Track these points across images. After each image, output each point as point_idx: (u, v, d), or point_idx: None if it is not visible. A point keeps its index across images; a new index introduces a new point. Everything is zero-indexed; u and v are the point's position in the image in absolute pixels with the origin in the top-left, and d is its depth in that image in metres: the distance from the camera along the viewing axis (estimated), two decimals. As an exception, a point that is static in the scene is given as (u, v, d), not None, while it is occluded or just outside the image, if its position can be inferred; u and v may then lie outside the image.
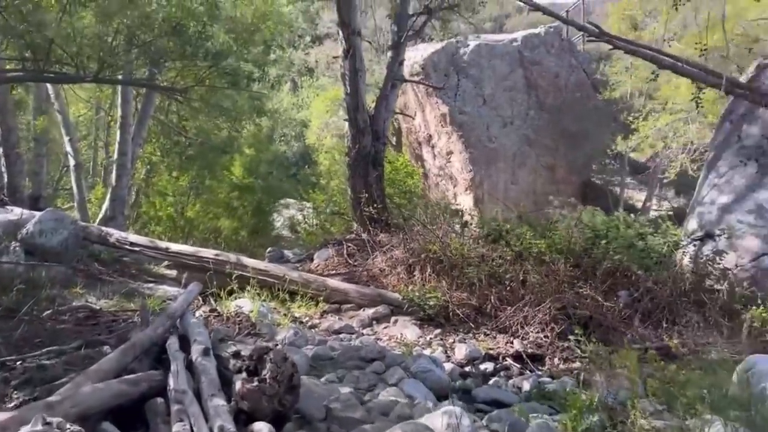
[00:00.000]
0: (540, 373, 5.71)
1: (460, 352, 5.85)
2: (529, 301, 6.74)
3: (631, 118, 17.33)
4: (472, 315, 6.94)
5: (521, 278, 7.27)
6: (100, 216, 11.66)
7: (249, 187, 14.90)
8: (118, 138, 11.58)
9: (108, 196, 11.67)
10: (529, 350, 6.05)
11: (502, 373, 5.61)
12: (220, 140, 14.62)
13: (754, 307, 6.67)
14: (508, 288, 7.17)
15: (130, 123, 11.67)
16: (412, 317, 6.98)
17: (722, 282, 7.75)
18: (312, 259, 10.09)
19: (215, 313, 6.35)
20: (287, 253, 11.18)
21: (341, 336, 6.38)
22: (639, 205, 24.41)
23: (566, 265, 7.32)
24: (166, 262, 8.86)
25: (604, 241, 7.87)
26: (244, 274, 7.49)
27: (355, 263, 9.31)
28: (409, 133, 24.83)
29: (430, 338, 6.39)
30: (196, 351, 3.55)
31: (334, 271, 9.21)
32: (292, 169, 27.12)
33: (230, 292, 7.08)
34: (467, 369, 5.59)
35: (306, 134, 32.45)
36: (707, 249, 8.56)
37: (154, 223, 13.91)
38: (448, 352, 5.98)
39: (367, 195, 10.08)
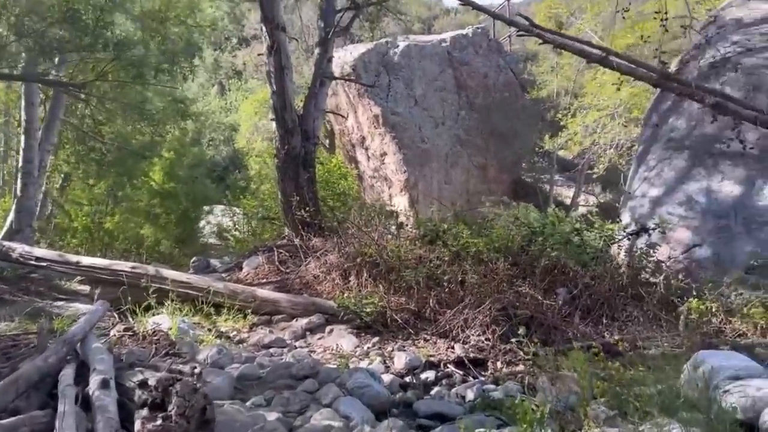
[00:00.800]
0: (483, 379, 5.44)
1: (400, 361, 5.49)
2: (469, 303, 6.47)
3: (560, 116, 17.61)
4: (411, 320, 6.61)
5: (460, 279, 7.01)
6: (5, 229, 10.65)
7: (171, 193, 14.05)
8: (22, 144, 10.60)
9: (13, 208, 10.68)
10: (471, 355, 5.77)
11: (443, 382, 5.29)
12: (139, 144, 13.71)
13: (690, 299, 6.64)
14: (446, 290, 6.89)
15: (36, 128, 10.69)
16: (348, 326, 6.58)
17: (657, 275, 7.75)
18: (241, 268, 9.52)
19: (130, 332, 5.76)
20: (214, 262, 10.55)
21: (271, 351, 5.91)
22: (568, 201, 25.03)
23: (505, 263, 7.11)
24: (78, 278, 8.14)
25: (540, 238, 7.72)
26: (164, 287, 6.89)
27: (287, 270, 8.82)
28: (342, 135, 24.46)
29: (368, 348, 6.01)
30: (94, 383, 3.03)
31: (264, 280, 8.69)
32: (219, 174, 26.22)
33: (148, 308, 6.46)
34: (407, 379, 5.24)
35: (235, 138, 31.60)
36: (641, 242, 8.58)
37: (69, 235, 12.88)
38: (387, 362, 5.61)
39: (298, 198, 9.59)
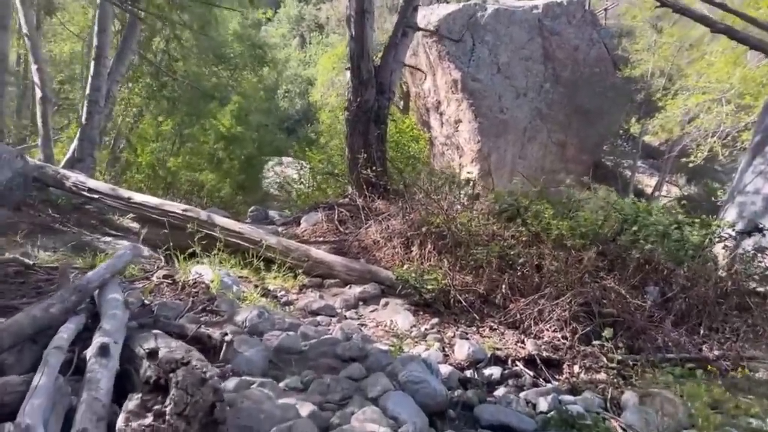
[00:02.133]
0: (556, 384, 4.66)
1: (461, 350, 4.76)
2: (547, 293, 5.65)
3: (657, 96, 16.10)
4: (477, 304, 5.85)
5: (536, 264, 6.18)
6: (66, 157, 10.49)
7: (237, 137, 13.62)
8: (91, 71, 10.31)
9: (77, 136, 10.47)
10: (545, 354, 4.97)
11: (510, 382, 4.53)
12: (211, 86, 13.32)
13: (808, 316, 5.61)
14: (520, 275, 6.08)
15: (106, 55, 10.35)
16: (405, 301, 5.89)
17: (765, 284, 6.69)
18: (299, 223, 8.98)
19: (170, 280, 5.28)
20: (273, 213, 10.06)
21: (319, 319, 5.30)
22: (648, 190, 23.59)
23: (591, 252, 6.22)
24: (131, 215, 7.79)
25: (634, 228, 6.76)
26: (214, 234, 6.39)
27: (346, 231, 8.21)
28: (417, 98, 23.63)
29: (426, 329, 5.30)
30: (92, 347, 2.45)
31: (321, 239, 8.12)
32: (291, 126, 25.93)
33: (194, 255, 5.97)
34: (468, 374, 4.52)
35: (311, 92, 31.29)
36: (747, 244, 7.48)
37: (134, 170, 12.71)
38: (447, 349, 4.89)
39: (366, 155, 8.92)
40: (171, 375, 2.06)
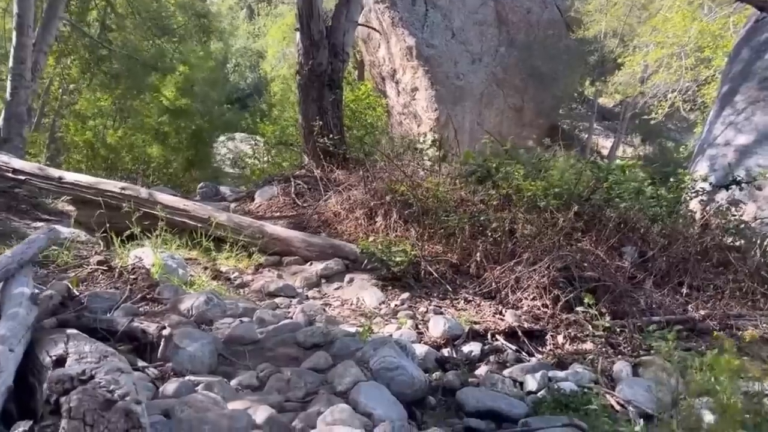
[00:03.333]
0: (540, 357, 4.27)
1: (436, 327, 4.32)
2: (523, 260, 5.25)
3: (613, 56, 15.88)
4: (449, 275, 5.43)
5: (508, 229, 5.77)
6: (-8, 138, 9.58)
7: (183, 110, 12.75)
8: (13, 42, 9.34)
9: (1, 115, 9.53)
10: (525, 325, 4.58)
11: (491, 359, 4.12)
12: (150, 56, 12.38)
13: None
14: (492, 241, 5.66)
15: (29, 24, 9.37)
16: (372, 276, 5.41)
17: (738, 238, 6.45)
18: (253, 199, 8.36)
19: (104, 267, 4.66)
20: (224, 189, 9.40)
21: (277, 301, 4.78)
22: (605, 151, 23.70)
23: (566, 213, 5.84)
24: (65, 197, 7.06)
25: (606, 185, 6.40)
26: (157, 213, 5.76)
27: (305, 205, 7.65)
28: (372, 66, 22.98)
29: (396, 305, 4.85)
30: (-24, 359, 1.89)
31: (277, 213, 7.55)
32: (242, 100, 25.02)
33: (133, 237, 5.34)
34: (446, 352, 4.09)
35: (261, 65, 30.30)
36: (720, 198, 7.23)
37: (71, 150, 11.78)
38: (420, 326, 4.44)
39: (321, 123, 8.32)
40: (62, 399, 1.54)
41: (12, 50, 9.39)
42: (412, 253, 5.41)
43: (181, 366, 2.92)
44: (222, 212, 6.34)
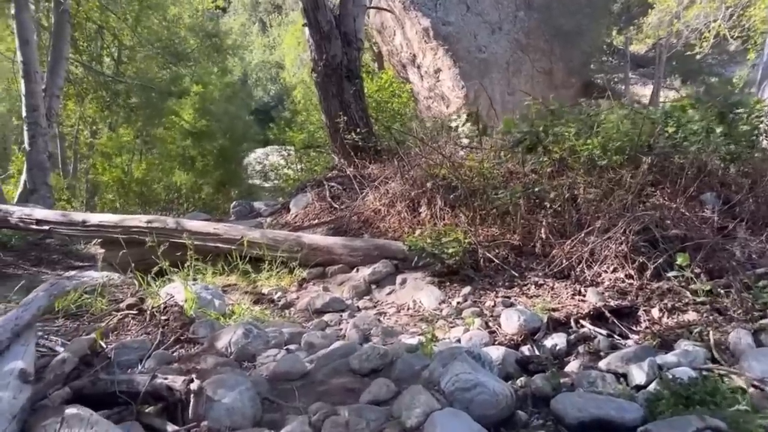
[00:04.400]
0: (636, 338, 3.64)
1: (510, 322, 3.73)
2: (594, 228, 4.60)
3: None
4: (512, 258, 4.82)
5: (569, 197, 5.12)
6: (19, 191, 9.39)
7: (204, 131, 12.42)
8: (22, 90, 9.14)
9: (25, 166, 9.35)
10: (612, 303, 3.94)
11: (580, 349, 3.51)
12: (162, 81, 12.10)
13: None
14: (553, 213, 5.03)
15: (36, 70, 9.16)
16: (425, 273, 4.85)
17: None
18: (288, 209, 7.91)
19: (134, 311, 4.25)
20: (259, 205, 8.99)
21: (326, 318, 4.27)
22: (645, 100, 22.60)
23: (630, 169, 5.16)
24: (95, 240, 6.76)
25: (670, 130, 5.65)
26: (188, 242, 5.35)
27: (342, 207, 7.15)
28: (391, 56, 22.42)
29: (458, 303, 4.28)
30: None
31: (315, 221, 7.06)
32: (267, 112, 24.80)
33: (162, 273, 4.93)
34: (526, 350, 3.50)
35: (282, 75, 30.17)
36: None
37: (102, 190, 11.62)
38: (491, 323, 3.86)
39: (345, 118, 7.81)
40: None
41: (23, 99, 9.21)
42: (466, 240, 4.83)
43: (219, 423, 2.44)
44: (255, 230, 5.89)
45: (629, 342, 3.60)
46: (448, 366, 2.71)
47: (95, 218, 6.25)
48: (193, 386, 2.42)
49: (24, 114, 9.18)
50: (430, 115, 20.26)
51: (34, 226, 6.44)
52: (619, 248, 4.39)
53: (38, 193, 8.93)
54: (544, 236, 4.72)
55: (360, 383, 2.83)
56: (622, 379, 3.07)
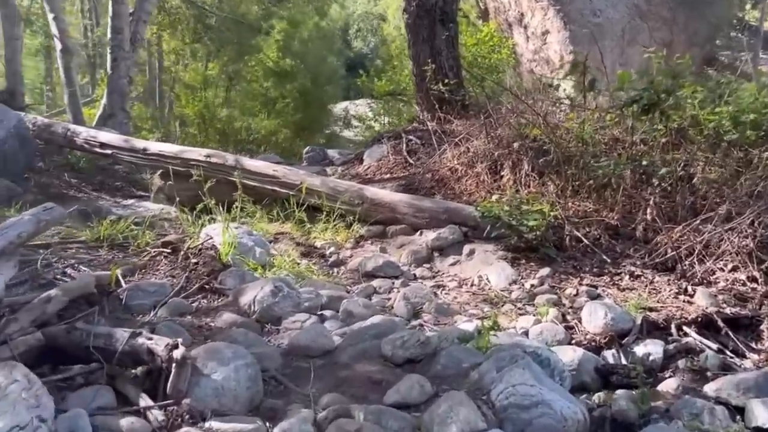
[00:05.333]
0: (758, 359, 2.84)
1: (594, 318, 3.03)
2: (714, 215, 3.74)
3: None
4: (605, 240, 4.04)
5: (684, 175, 4.24)
6: (98, 114, 9.36)
7: (287, 71, 11.96)
8: (110, 11, 9.00)
9: (105, 90, 9.29)
10: (728, 310, 3.14)
11: (680, 364, 2.79)
12: (254, 16, 11.71)
13: None
14: (662, 192, 4.19)
15: (126, -10, 9.02)
16: (498, 246, 4.17)
17: None
18: (362, 160, 7.38)
19: (168, 249, 3.86)
20: (332, 153, 8.52)
21: (375, 284, 3.72)
22: (774, 83, 20.20)
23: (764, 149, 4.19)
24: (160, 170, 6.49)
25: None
26: (245, 181, 4.95)
27: (418, 162, 6.52)
28: (497, 13, 21.11)
29: (532, 286, 3.58)
30: None
31: (387, 175, 6.50)
32: (365, 64, 24.31)
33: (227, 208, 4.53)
34: (610, 356, 2.80)
35: (383, 27, 29.66)
36: None
37: (186, 124, 11.53)
38: (569, 317, 3.17)
39: (434, 66, 7.10)
40: None
41: (110, 20, 9.08)
42: (552, 213, 4.09)
43: (203, 404, 1.94)
44: (315, 176, 5.39)
45: (746, 363, 2.83)
46: (505, 371, 2.07)
47: (156, 147, 5.98)
48: (176, 354, 1.92)
49: (108, 36, 9.09)
50: (533, 79, 19.06)
51: (98, 150, 6.26)
52: (743, 243, 3.53)
53: (115, 118, 8.85)
54: (648, 218, 3.90)
55: (390, 375, 2.25)
56: (736, 414, 2.33)
